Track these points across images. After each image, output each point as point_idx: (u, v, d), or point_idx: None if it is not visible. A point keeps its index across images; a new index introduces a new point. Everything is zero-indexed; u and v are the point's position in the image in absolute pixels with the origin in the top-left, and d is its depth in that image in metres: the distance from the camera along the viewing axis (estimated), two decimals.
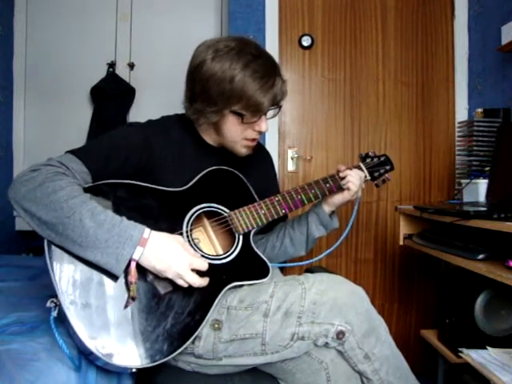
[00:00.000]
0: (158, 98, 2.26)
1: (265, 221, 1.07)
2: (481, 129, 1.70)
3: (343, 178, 1.15)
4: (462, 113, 2.09)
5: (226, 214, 1.04)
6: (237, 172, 1.10)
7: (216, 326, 0.92)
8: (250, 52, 1.01)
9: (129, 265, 0.81)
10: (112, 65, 2.26)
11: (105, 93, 2.20)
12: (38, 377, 0.72)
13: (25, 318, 0.92)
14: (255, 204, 1.07)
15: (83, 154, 0.92)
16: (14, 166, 2.27)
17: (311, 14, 2.08)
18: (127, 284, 0.82)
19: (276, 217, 1.09)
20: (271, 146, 2.01)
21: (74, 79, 2.27)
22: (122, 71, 2.27)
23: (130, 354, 0.81)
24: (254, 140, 1.09)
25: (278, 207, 1.09)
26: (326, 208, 1.18)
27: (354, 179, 1.14)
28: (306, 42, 2.06)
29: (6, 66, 2.23)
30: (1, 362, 0.72)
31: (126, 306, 0.83)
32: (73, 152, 0.92)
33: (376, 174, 1.22)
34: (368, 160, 1.23)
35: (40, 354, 0.77)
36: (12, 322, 0.90)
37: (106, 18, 2.29)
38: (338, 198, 1.16)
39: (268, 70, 1.01)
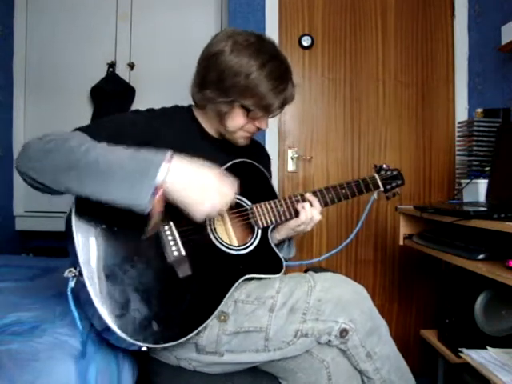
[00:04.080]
0: (158, 97, 2.23)
1: (283, 218, 1.10)
2: (481, 129, 1.70)
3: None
4: (462, 113, 2.09)
5: (248, 207, 1.06)
6: (260, 167, 1.13)
7: (222, 317, 0.93)
8: (268, 51, 1.02)
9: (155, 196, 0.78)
10: (112, 65, 2.26)
11: (105, 93, 2.19)
12: (37, 377, 0.72)
13: (25, 318, 0.92)
14: (276, 200, 1.10)
15: (93, 132, 0.91)
16: (14, 165, 2.26)
17: (311, 13, 2.08)
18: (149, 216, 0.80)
19: (294, 216, 1.11)
20: (271, 146, 2.01)
21: (73, 79, 2.27)
22: (121, 71, 2.27)
23: (141, 334, 0.80)
24: (251, 133, 1.11)
25: (296, 207, 1.10)
26: (277, 235, 1.16)
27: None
28: (305, 42, 2.06)
29: (6, 65, 2.23)
30: (1, 362, 0.72)
31: (145, 235, 0.85)
32: (81, 129, 0.92)
33: (388, 187, 1.26)
34: (382, 172, 1.27)
35: (40, 354, 0.77)
36: (12, 322, 0.90)
37: (105, 18, 2.28)
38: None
39: (282, 73, 1.03)
